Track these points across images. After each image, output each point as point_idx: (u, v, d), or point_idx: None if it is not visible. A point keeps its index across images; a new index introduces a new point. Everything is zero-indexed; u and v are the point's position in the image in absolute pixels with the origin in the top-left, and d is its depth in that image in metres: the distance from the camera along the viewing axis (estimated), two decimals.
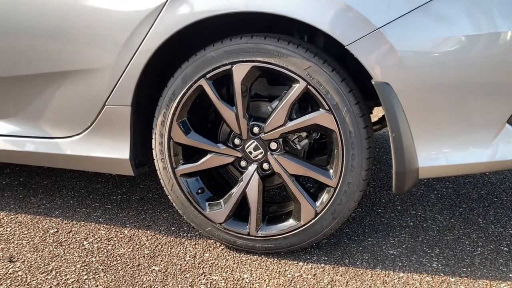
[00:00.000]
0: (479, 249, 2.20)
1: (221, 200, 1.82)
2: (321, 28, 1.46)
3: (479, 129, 1.50)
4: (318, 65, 1.55)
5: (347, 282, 1.85)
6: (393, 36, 1.43)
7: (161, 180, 1.89)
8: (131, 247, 2.08)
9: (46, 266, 1.93)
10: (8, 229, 2.30)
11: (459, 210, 2.71)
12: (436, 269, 2.01)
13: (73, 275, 1.85)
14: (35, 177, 3.04)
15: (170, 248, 2.08)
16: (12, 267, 1.92)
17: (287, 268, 1.93)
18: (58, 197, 2.69)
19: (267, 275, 1.89)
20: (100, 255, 2.01)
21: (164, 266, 1.93)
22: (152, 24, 1.62)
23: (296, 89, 1.60)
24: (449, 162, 1.56)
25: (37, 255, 2.02)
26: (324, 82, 1.57)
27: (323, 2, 1.46)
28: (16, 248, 2.08)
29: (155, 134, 1.79)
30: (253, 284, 1.83)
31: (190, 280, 1.84)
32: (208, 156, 1.78)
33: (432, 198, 2.89)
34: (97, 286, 1.78)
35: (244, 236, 1.81)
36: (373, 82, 1.49)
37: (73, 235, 2.21)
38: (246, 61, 1.60)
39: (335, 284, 1.83)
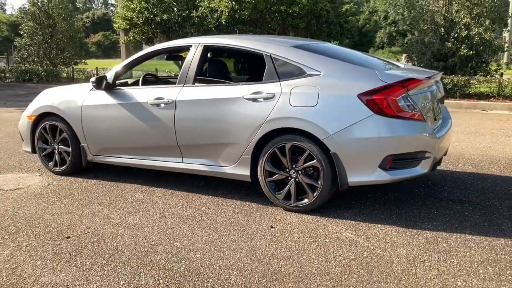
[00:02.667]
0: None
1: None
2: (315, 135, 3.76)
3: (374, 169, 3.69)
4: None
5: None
6: (333, 136, 3.58)
7: (261, 182, 4.10)
8: None
9: None
10: None
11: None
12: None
13: None
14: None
15: None
16: None
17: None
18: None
19: None
20: None
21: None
22: (261, 126, 3.93)
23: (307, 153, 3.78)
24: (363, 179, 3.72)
25: None
26: (316, 151, 3.66)
27: (315, 127, 3.71)
28: None
29: (260, 165, 4.03)
30: None
31: None
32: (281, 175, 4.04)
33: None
34: None
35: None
36: (331, 152, 3.56)
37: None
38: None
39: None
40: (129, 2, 15.28)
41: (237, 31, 13.73)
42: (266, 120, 3.90)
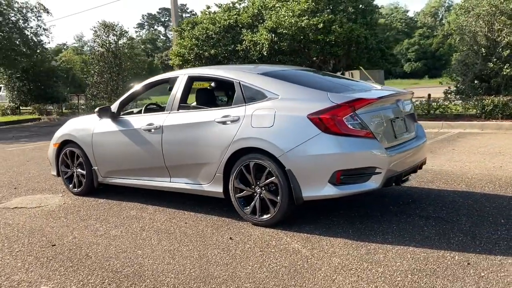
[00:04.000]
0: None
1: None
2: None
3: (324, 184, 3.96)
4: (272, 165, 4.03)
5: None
6: (287, 154, 3.93)
7: (231, 198, 4.45)
8: None
9: None
10: None
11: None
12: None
13: None
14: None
15: None
16: None
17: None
18: None
19: None
20: None
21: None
22: (229, 146, 4.29)
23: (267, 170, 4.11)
24: (315, 194, 3.96)
25: None
26: (274, 168, 4.00)
27: (271, 145, 4.05)
28: None
29: (231, 182, 4.36)
30: None
31: None
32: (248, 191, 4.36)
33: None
34: None
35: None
36: (286, 169, 3.89)
37: None
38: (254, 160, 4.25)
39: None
40: (182, 40, 16.42)
41: (278, 62, 14.29)
42: (233, 141, 4.27)
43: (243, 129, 4.24)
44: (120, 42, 21.62)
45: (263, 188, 4.19)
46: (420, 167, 4.70)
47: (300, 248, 3.67)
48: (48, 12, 21.83)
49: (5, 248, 4.05)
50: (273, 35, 13.45)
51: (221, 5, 16.99)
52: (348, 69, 15.46)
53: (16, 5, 21.33)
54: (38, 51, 21.59)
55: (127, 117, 5.36)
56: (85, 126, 5.73)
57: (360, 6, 13.53)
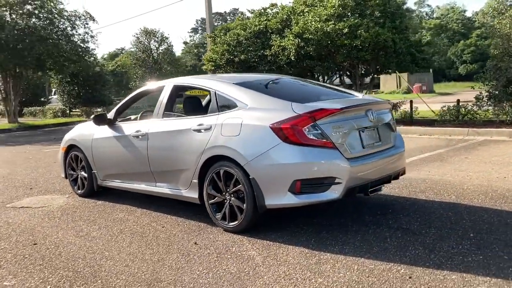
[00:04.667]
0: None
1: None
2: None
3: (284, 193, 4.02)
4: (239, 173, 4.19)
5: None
6: (251, 163, 4.04)
7: (205, 204, 4.57)
8: None
9: None
10: None
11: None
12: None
13: None
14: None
15: None
16: None
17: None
18: None
19: None
20: None
21: None
22: (202, 153, 4.43)
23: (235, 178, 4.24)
24: (276, 202, 4.01)
25: None
26: (241, 176, 4.07)
27: (237, 154, 4.17)
28: None
29: (204, 189, 4.49)
30: None
31: None
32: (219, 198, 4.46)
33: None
34: None
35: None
36: (250, 177, 4.05)
37: None
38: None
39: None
40: (214, 46, 16.75)
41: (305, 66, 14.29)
42: (205, 148, 4.41)
43: (214, 138, 4.37)
44: (161, 48, 22.32)
45: (232, 195, 4.30)
46: (397, 177, 4.65)
47: (255, 255, 3.75)
48: (94, 20, 22.90)
49: None
50: (299, 40, 13.48)
51: (254, 10, 17.22)
52: (379, 73, 15.21)
53: (65, 13, 22.51)
54: (85, 57, 22.64)
55: (121, 124, 5.62)
56: (86, 131, 6.06)
57: (389, 10, 13.28)
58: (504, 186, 5.56)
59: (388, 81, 39.04)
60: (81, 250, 4.10)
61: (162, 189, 5.04)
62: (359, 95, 4.98)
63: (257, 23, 15.87)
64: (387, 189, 5.64)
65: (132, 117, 6.19)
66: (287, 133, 3.91)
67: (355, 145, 4.14)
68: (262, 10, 16.93)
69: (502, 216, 4.44)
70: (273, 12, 16.50)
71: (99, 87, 26.91)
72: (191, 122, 4.67)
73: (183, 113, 5.14)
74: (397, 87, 38.12)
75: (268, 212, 4.23)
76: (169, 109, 5.17)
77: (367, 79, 15.38)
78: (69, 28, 22.20)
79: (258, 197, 4.06)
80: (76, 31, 23.07)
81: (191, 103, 5.21)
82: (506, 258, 3.44)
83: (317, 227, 4.38)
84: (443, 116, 12.00)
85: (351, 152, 4.07)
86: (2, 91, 22.38)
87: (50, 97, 34.76)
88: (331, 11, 13.29)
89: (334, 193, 3.94)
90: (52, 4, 21.78)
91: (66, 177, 6.54)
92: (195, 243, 4.12)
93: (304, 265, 3.51)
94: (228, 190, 4.32)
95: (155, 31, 22.03)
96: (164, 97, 5.16)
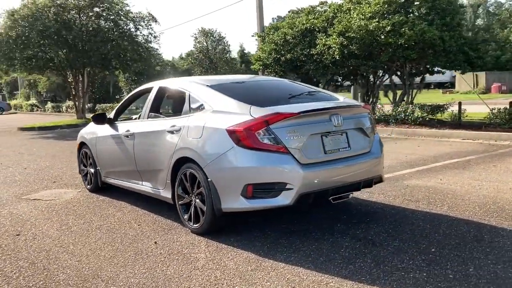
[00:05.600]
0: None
1: None
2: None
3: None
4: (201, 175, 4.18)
5: None
6: (209, 165, 4.08)
7: (176, 204, 4.65)
8: None
9: None
10: None
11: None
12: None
13: None
14: None
15: None
16: None
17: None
18: None
19: None
20: None
21: None
22: (173, 154, 4.50)
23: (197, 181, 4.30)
24: (231, 206, 4.01)
25: None
26: (202, 178, 4.13)
27: (198, 156, 4.21)
28: None
29: (176, 189, 4.56)
30: None
31: None
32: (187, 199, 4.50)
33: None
34: None
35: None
36: (208, 179, 4.08)
37: None
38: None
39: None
40: (263, 45, 16.78)
41: (350, 65, 13.87)
42: (175, 150, 4.48)
43: (182, 139, 4.42)
44: (218, 48, 22.76)
45: (197, 197, 4.33)
46: (369, 185, 4.43)
47: (201, 258, 3.76)
48: (156, 21, 23.87)
49: None
50: (342, 38, 13.12)
51: (304, 9, 17.00)
52: (432, 73, 14.39)
53: (130, 15, 23.65)
54: (147, 56, 23.66)
55: (118, 123, 5.85)
56: (93, 130, 6.37)
57: (438, 6, 12.52)
58: (510, 199, 5.10)
59: (463, 81, 36.86)
60: (52, 243, 4.33)
61: (146, 188, 5.18)
62: (340, 99, 4.80)
63: (304, 22, 15.68)
64: (380, 197, 5.40)
65: (134, 116, 6.42)
66: (240, 136, 3.87)
67: (314, 151, 4.00)
68: (311, 8, 16.69)
69: (481, 231, 4.09)
70: (322, 10, 16.22)
71: None
72: (167, 123, 4.75)
73: (169, 114, 5.25)
74: (474, 86, 35.79)
75: (236, 215, 4.23)
76: (154, 110, 5.30)
77: (417, 79, 14.65)
78: (132, 29, 23.31)
79: (215, 200, 4.05)
80: (140, 32, 24.19)
81: (171, 104, 5.30)
82: (451, 277, 3.17)
83: (280, 233, 4.29)
84: (492, 120, 11.17)
85: (308, 158, 3.94)
86: (73, 89, 24.00)
87: (122, 95, 36.74)
88: (376, 8, 12.82)
89: (285, 199, 3.84)
90: (118, 6, 22.98)
91: (79, 173, 6.92)
92: (155, 243, 4.20)
93: (240, 271, 3.46)
94: (193, 192, 4.36)
95: (212, 31, 22.50)
96: (150, 98, 5.29)
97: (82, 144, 6.67)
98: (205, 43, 22.71)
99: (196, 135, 4.26)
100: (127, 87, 28.01)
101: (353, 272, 3.34)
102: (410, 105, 12.82)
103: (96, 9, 22.78)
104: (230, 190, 3.96)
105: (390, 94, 14.75)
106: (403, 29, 12.03)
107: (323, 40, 14.17)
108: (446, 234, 4.05)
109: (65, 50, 21.50)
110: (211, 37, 22.44)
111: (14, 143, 14.40)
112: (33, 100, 45.80)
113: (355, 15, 13.22)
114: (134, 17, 23.63)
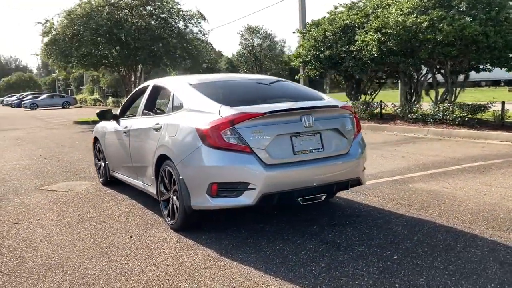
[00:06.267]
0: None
1: None
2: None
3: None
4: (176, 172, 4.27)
5: None
6: (181, 163, 4.17)
7: (159, 198, 4.78)
8: None
9: None
10: None
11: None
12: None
13: None
14: None
15: None
16: None
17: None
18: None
19: None
20: None
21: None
22: (155, 152, 4.64)
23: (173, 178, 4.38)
24: (198, 204, 4.05)
25: None
26: (176, 176, 4.25)
27: (173, 154, 4.33)
28: None
29: (158, 185, 4.71)
30: None
31: None
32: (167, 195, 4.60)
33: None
34: None
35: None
36: (179, 177, 4.18)
37: None
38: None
39: None
40: (304, 42, 16.62)
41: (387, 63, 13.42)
42: (157, 147, 4.60)
43: (162, 137, 4.53)
44: (264, 44, 22.84)
45: (173, 194, 4.42)
46: (345, 187, 4.32)
47: (163, 255, 3.84)
48: (204, 19, 24.30)
49: None
50: (379, 35, 12.72)
51: (345, 4, 16.63)
52: (478, 71, 13.59)
53: (180, 13, 24.22)
54: (196, 53, 24.15)
55: (122, 120, 6.06)
56: (104, 125, 6.64)
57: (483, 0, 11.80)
58: (507, 207, 4.78)
59: None
60: (40, 233, 4.58)
61: (139, 183, 5.35)
62: (325, 98, 4.70)
63: (344, 18, 15.37)
64: (374, 199, 5.25)
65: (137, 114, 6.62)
66: (207, 136, 3.91)
67: (282, 151, 3.96)
68: (352, 4, 16.32)
69: (458, 239, 3.89)
70: (362, 5, 15.81)
71: None
72: (153, 121, 4.88)
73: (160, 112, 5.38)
74: None
75: (213, 212, 4.29)
76: (148, 108, 5.44)
77: (461, 77, 13.91)
78: (182, 27, 23.87)
79: (185, 197, 4.13)
80: (190, 30, 24.73)
81: (162, 103, 5.41)
82: (397, 287, 3.04)
83: (252, 232, 4.29)
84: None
85: (274, 158, 3.90)
86: (126, 85, 24.98)
87: None
88: (415, 3, 12.33)
89: (247, 199, 3.84)
90: (169, 4, 23.62)
91: (95, 166, 7.24)
92: (131, 237, 4.34)
93: (193, 268, 3.52)
94: (171, 188, 4.45)
95: (259, 28, 22.60)
96: (144, 97, 5.45)
97: (96, 139, 6.97)
98: (251, 40, 22.84)
99: (172, 133, 4.35)
100: None
101: (299, 275, 3.29)
102: (449, 105, 12.24)
103: (149, 7, 23.53)
104: (198, 188, 4.02)
105: (432, 93, 14.12)
106: (441, 25, 11.49)
107: (362, 36, 13.84)
108: (420, 241, 3.88)
109: (117, 48, 22.44)
110: (257, 34, 22.56)
111: (63, 136, 15.24)
112: (96, 95, 48.18)
113: (393, 11, 12.78)
114: (184, 15, 24.20)
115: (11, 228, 4.78)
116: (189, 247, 4.00)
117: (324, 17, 16.94)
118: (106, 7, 21.79)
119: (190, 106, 4.37)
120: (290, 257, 3.65)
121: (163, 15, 23.52)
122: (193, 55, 23.84)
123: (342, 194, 5.48)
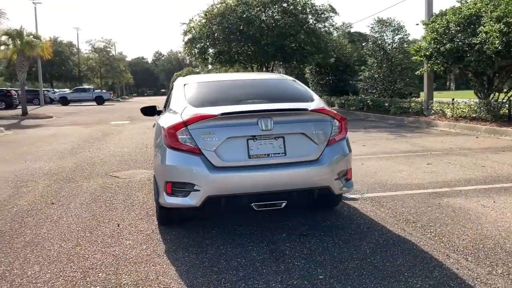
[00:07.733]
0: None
1: None
2: None
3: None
4: None
5: None
6: (154, 161, 4.25)
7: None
8: None
9: None
10: None
11: None
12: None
13: None
14: None
15: None
16: None
17: None
18: None
19: None
20: None
21: None
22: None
23: None
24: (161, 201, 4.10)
25: None
26: None
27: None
28: None
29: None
30: None
31: None
32: None
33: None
34: None
35: None
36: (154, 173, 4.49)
37: None
38: None
39: None
40: (426, 34, 15.25)
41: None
42: (153, 144, 4.87)
43: (154, 134, 4.79)
44: (396, 38, 21.59)
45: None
46: (313, 196, 4.06)
47: (128, 245, 4.07)
48: (335, 12, 23.89)
49: (22, 191, 5.98)
50: (502, 25, 11.02)
51: None
52: None
53: (314, 7, 24.20)
54: (324, 48, 23.89)
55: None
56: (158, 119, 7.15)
57: None
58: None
59: None
60: (55, 213, 5.15)
61: None
62: (316, 100, 4.41)
63: (470, 7, 13.73)
64: (383, 211, 4.78)
65: None
66: (166, 136, 4.04)
67: (235, 154, 3.87)
68: None
69: (425, 266, 3.36)
70: None
71: (346, 77, 27.72)
72: (157, 119, 5.15)
73: None
74: None
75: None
76: (164, 106, 5.72)
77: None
78: (311, 22, 23.84)
79: (155, 194, 4.32)
80: (322, 24, 24.57)
81: None
82: None
83: (220, 232, 4.30)
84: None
85: (225, 161, 3.84)
86: None
87: (309, 87, 37.59)
88: None
89: (191, 200, 3.87)
90: (303, 0, 23.77)
91: None
92: (118, 225, 4.68)
93: (136, 262, 3.68)
94: None
95: (391, 20, 21.39)
96: (169, 94, 5.74)
97: None
98: (381, 33, 21.73)
99: (154, 133, 4.59)
100: (312, 78, 28.67)
101: (205, 282, 3.23)
102: None
103: (284, 4, 23.91)
104: (161, 186, 4.17)
105: None
106: None
107: (486, 27, 12.25)
108: (378, 263, 3.47)
109: (249, 45, 23.40)
110: (390, 26, 21.36)
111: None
112: None
113: None
114: (317, 9, 24.12)
115: (43, 207, 5.49)
116: (150, 239, 4.19)
117: (453, 6, 15.34)
118: (239, 6, 22.84)
119: (171, 106, 4.54)
120: (223, 263, 3.60)
121: (295, 11, 23.76)
122: (322, 50, 23.64)
123: (353, 203, 5.10)
